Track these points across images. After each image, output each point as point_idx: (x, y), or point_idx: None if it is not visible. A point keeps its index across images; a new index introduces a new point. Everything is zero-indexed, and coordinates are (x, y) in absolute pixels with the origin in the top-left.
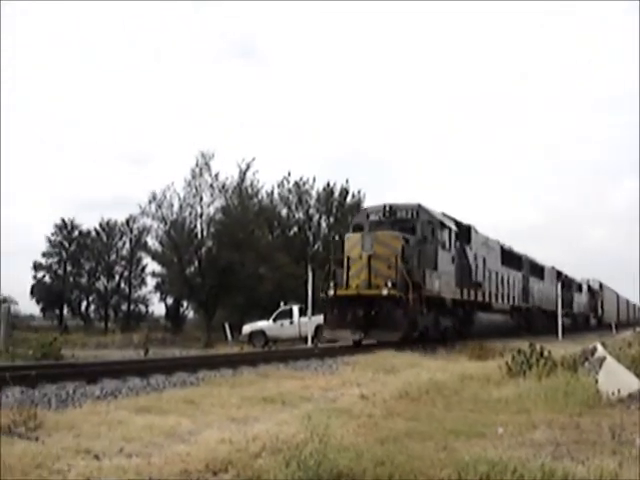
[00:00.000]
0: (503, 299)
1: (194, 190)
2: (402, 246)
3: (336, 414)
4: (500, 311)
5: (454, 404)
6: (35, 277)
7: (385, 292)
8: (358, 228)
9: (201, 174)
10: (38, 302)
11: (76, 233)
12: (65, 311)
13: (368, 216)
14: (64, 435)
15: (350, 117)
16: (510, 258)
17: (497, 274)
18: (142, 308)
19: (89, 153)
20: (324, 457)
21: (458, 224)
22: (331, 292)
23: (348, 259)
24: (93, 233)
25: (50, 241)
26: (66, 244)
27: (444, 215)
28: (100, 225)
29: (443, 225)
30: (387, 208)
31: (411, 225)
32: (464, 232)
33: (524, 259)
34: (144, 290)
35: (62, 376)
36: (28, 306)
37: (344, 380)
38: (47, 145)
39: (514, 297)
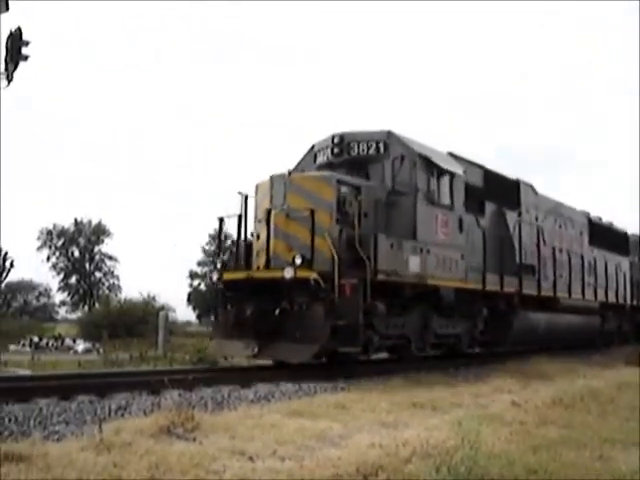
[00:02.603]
0: (584, 293)
1: None
2: (337, 197)
3: (487, 421)
4: (577, 310)
5: (610, 412)
6: (191, 285)
7: (289, 274)
8: None
9: None
10: (194, 309)
11: (228, 242)
12: None
13: (315, 157)
14: (220, 437)
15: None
16: (605, 236)
17: (573, 256)
18: None
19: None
20: (475, 463)
21: (491, 175)
22: (215, 276)
23: (246, 221)
24: None
25: (204, 251)
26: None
27: (451, 155)
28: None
29: (432, 166)
30: (336, 141)
31: (377, 165)
32: (505, 188)
33: (632, 240)
34: None
35: (217, 380)
36: (185, 313)
37: (495, 387)
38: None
39: (609, 291)
